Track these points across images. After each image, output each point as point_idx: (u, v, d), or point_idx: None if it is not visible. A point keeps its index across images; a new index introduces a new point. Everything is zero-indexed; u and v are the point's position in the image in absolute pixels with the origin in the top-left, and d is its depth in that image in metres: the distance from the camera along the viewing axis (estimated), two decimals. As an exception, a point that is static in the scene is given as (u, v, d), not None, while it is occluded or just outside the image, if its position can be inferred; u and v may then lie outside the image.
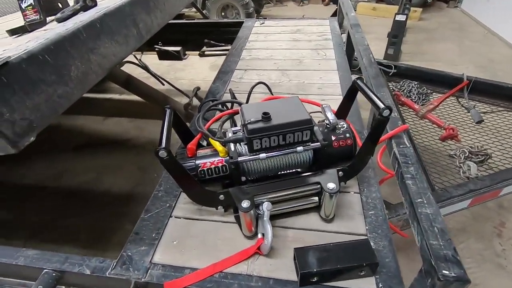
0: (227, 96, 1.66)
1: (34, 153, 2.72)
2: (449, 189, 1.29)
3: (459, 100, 2.14)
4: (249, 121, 0.86)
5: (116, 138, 2.86)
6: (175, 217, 1.04)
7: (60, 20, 1.04)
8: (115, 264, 0.90)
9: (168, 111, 0.93)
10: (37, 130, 0.70)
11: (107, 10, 0.96)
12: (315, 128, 0.99)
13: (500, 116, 1.93)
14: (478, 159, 1.56)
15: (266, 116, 0.86)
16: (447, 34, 4.90)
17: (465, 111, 2.00)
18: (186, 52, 3.14)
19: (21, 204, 2.20)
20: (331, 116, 0.98)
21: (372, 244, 0.90)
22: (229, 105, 1.46)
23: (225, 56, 2.34)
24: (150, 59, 3.08)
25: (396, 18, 3.66)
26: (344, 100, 1.11)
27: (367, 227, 0.95)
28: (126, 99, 3.41)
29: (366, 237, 0.91)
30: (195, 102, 2.47)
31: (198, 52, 3.03)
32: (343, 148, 1.00)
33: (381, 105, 0.87)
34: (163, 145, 0.80)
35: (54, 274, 0.90)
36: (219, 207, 0.98)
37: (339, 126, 1.01)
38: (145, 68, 2.59)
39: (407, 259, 1.66)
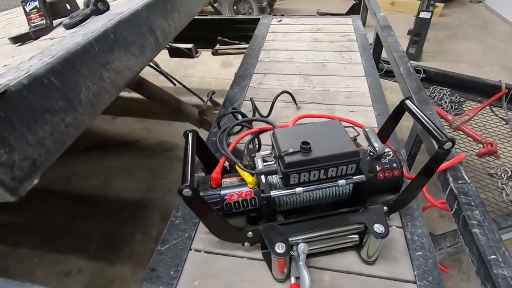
0: (246, 105, 1.53)
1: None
2: (497, 220, 1.16)
3: (494, 110, 1.97)
4: (285, 152, 0.74)
5: (125, 139, 2.76)
6: (195, 250, 0.93)
7: (68, 27, 0.92)
8: (129, 308, 0.79)
9: (190, 135, 0.81)
10: (41, 170, 0.58)
11: (122, 17, 0.83)
12: (358, 156, 0.86)
13: (542, 130, 1.76)
14: (523, 181, 1.42)
15: (306, 147, 0.74)
16: (470, 32, 4.64)
17: (503, 123, 1.84)
18: (198, 49, 3.01)
19: (29, 208, 2.13)
20: (377, 144, 0.85)
21: (423, 295, 0.78)
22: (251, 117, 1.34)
23: (239, 55, 2.21)
24: (160, 54, 2.94)
25: (421, 15, 3.44)
26: (388, 121, 0.97)
27: (415, 273, 0.83)
28: (134, 97, 3.29)
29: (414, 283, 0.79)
30: (209, 103, 2.34)
31: (211, 50, 2.89)
32: (388, 180, 0.87)
33: (442, 137, 0.73)
34: (188, 182, 0.68)
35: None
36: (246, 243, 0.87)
37: (385, 154, 0.88)
38: (156, 67, 2.47)
39: None
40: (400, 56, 1.43)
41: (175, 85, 2.50)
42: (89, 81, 0.70)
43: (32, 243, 1.97)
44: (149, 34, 0.95)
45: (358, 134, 1.24)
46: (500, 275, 0.61)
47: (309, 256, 0.87)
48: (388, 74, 2.29)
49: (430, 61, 3.79)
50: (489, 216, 0.72)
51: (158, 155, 2.51)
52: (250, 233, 0.83)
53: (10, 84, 0.52)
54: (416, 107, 0.86)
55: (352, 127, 1.27)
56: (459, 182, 0.81)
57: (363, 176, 0.81)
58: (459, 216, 0.75)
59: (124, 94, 3.48)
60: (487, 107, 1.97)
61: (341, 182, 0.79)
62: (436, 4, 5.22)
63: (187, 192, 0.67)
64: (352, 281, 0.83)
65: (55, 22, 1.07)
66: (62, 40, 0.72)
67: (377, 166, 0.86)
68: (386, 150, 0.89)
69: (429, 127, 0.78)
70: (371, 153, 0.87)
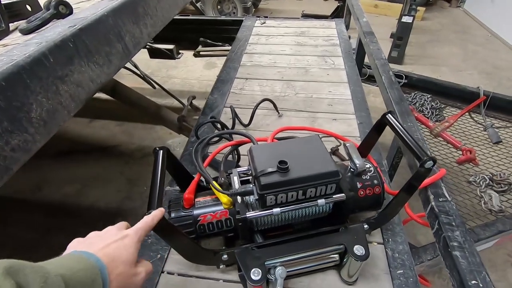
0: (226, 112, 1.48)
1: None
2: (476, 230, 1.17)
3: (473, 116, 2.01)
4: (261, 173, 0.69)
5: (103, 144, 2.64)
6: (168, 272, 0.87)
7: (24, 32, 0.84)
8: None
9: (160, 153, 0.75)
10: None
11: (84, 23, 0.76)
12: (338, 172, 0.83)
13: (518, 136, 1.81)
14: (501, 189, 1.44)
15: (283, 167, 0.69)
16: (450, 36, 4.76)
17: (481, 129, 1.87)
18: (180, 50, 2.92)
19: (4, 218, 1.98)
20: (358, 161, 0.82)
21: (403, 316, 0.76)
22: (230, 125, 1.29)
23: (222, 57, 2.14)
24: (140, 54, 2.84)
25: (403, 19, 3.49)
26: (369, 134, 0.95)
27: (395, 292, 0.81)
28: (113, 100, 3.17)
29: (399, 311, 0.76)
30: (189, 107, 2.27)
31: (193, 51, 2.81)
32: (369, 197, 0.84)
33: (424, 155, 0.71)
34: (154, 207, 0.62)
35: None
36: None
37: (366, 170, 0.85)
38: (135, 68, 2.37)
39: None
40: (383, 64, 1.41)
41: (154, 88, 2.41)
42: (42, 96, 0.63)
43: (3, 257, 1.84)
44: (117, 41, 0.88)
45: (340, 145, 1.22)
46: (481, 302, 0.59)
47: (287, 277, 0.83)
48: (371, 79, 2.29)
49: (412, 64, 3.85)
50: (470, 238, 0.70)
51: (138, 161, 2.41)
52: (225, 256, 0.78)
53: None
54: (397, 121, 0.83)
55: (336, 139, 1.25)
56: (440, 200, 0.79)
57: (343, 194, 0.78)
58: (440, 237, 0.73)
59: (103, 96, 3.34)
60: (467, 114, 2.00)
61: (321, 201, 0.75)
62: (418, 8, 5.33)
63: (153, 219, 0.61)
64: (332, 303, 0.80)
65: (14, 25, 0.98)
66: (12, 50, 0.64)
67: (357, 183, 0.83)
68: (367, 166, 0.87)
69: (411, 144, 0.76)
70: (351, 170, 0.84)
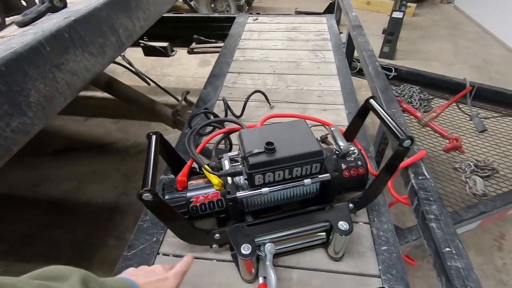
0: (219, 105, 1.52)
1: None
2: (460, 212, 1.22)
3: (460, 106, 2.07)
4: (250, 153, 0.74)
5: (99, 141, 2.66)
6: (163, 254, 0.91)
7: (20, 24, 0.87)
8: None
9: (153, 137, 0.78)
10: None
11: (78, 15, 0.80)
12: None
13: (503, 125, 1.87)
14: (485, 174, 1.50)
15: (270, 148, 0.74)
16: (441, 32, 4.84)
17: (468, 118, 1.92)
18: (174, 48, 2.95)
19: (2, 214, 2.01)
20: (342, 143, 0.86)
21: (386, 287, 0.81)
22: (223, 117, 1.33)
23: (217, 54, 2.18)
24: (135, 53, 2.88)
25: (393, 15, 3.55)
26: (354, 120, 0.99)
27: (380, 267, 0.85)
28: (109, 97, 3.18)
29: (381, 283, 0.81)
30: (184, 103, 2.30)
31: (187, 48, 2.84)
32: (354, 178, 0.89)
33: (402, 135, 0.76)
34: (148, 186, 0.66)
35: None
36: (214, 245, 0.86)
37: (350, 152, 0.90)
38: (130, 66, 2.40)
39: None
40: (370, 56, 1.46)
41: (149, 84, 2.44)
42: (40, 83, 0.66)
43: (2, 251, 1.87)
44: (111, 33, 0.92)
45: (329, 133, 1.27)
46: (453, 267, 0.64)
47: (278, 255, 0.88)
48: (361, 73, 2.34)
49: (404, 59, 3.92)
50: (446, 210, 0.75)
51: (134, 158, 2.44)
52: (217, 235, 0.82)
53: None
54: (380, 106, 0.88)
55: (323, 126, 1.29)
56: (419, 178, 0.84)
57: (328, 175, 0.82)
58: (419, 211, 0.78)
59: (98, 94, 3.36)
60: (454, 104, 2.06)
61: (307, 181, 0.80)
62: (409, 4, 5.40)
63: (147, 196, 0.65)
64: (320, 278, 0.84)
65: (10, 19, 1.01)
66: (10, 40, 0.68)
67: (342, 164, 0.88)
68: (352, 149, 0.91)
69: (390, 125, 0.80)
70: (336, 152, 0.89)
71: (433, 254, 0.70)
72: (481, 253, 1.78)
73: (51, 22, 0.75)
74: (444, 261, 0.65)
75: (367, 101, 0.91)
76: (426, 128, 1.87)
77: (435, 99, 2.08)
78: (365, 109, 0.94)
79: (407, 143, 0.75)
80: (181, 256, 0.90)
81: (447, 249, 0.67)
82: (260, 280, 0.80)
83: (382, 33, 4.33)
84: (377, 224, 0.96)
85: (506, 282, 1.64)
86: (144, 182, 0.67)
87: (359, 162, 0.89)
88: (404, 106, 1.97)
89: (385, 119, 0.82)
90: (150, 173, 0.69)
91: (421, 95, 2.03)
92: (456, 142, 1.69)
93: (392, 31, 3.68)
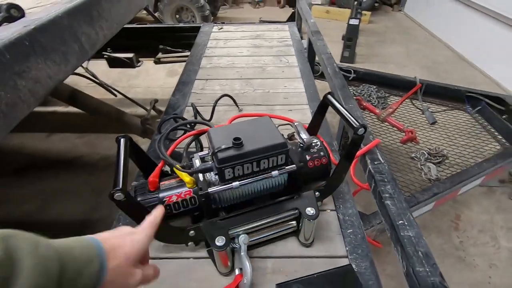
0: (189, 110, 1.54)
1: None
2: (416, 195, 1.34)
3: (413, 102, 2.26)
4: (218, 149, 0.78)
5: (64, 157, 2.54)
6: (139, 257, 0.91)
7: (-25, 35, 0.85)
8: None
9: (122, 141, 0.80)
10: None
11: (38, 23, 0.80)
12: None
13: (450, 116, 2.07)
14: (437, 160, 1.65)
15: (237, 142, 0.78)
16: (395, 37, 5.25)
17: (420, 113, 2.11)
18: (140, 59, 2.92)
19: None
20: (304, 136, 0.93)
21: (354, 266, 0.87)
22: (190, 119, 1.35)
23: (183, 63, 2.21)
24: (99, 66, 2.81)
25: (350, 22, 3.81)
26: (315, 115, 1.07)
27: (347, 248, 0.92)
28: (73, 112, 3.05)
29: (348, 262, 0.87)
30: (153, 113, 2.29)
31: (153, 59, 2.84)
32: (318, 168, 0.95)
33: (356, 124, 0.84)
34: (120, 185, 0.67)
35: None
36: (189, 243, 0.88)
37: (313, 144, 0.97)
38: (94, 78, 2.34)
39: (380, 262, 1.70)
40: (328, 58, 1.57)
41: (115, 95, 2.39)
42: (0, 90, 0.66)
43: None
44: (73, 41, 0.92)
45: (287, 123, 1.34)
46: (406, 236, 0.72)
47: (252, 247, 0.91)
48: (324, 76, 2.48)
49: (363, 62, 4.19)
50: (399, 189, 0.84)
51: (103, 171, 2.36)
52: (192, 232, 0.84)
53: None
54: (336, 100, 0.96)
55: (290, 124, 1.37)
56: (375, 163, 0.92)
57: (294, 166, 0.88)
58: (376, 192, 0.86)
59: (60, 108, 3.22)
60: (408, 100, 2.25)
61: (274, 173, 0.85)
62: (365, 12, 5.80)
63: (119, 196, 0.67)
64: (293, 265, 0.89)
65: (-38, 31, 0.97)
66: (-34, 48, 0.67)
67: (306, 156, 0.94)
68: (314, 141, 0.98)
69: (346, 116, 0.88)
70: (301, 145, 0.95)
71: (389, 228, 0.77)
72: (441, 234, 1.94)
73: (10, 31, 0.75)
74: (398, 232, 0.73)
75: (325, 97, 0.99)
76: (385, 123, 2.03)
77: (391, 96, 2.26)
78: (324, 105, 1.02)
79: (361, 131, 0.83)
80: (157, 258, 0.91)
81: (400, 221, 0.75)
82: (237, 271, 0.83)
83: (342, 39, 4.60)
84: (343, 210, 1.03)
85: (464, 258, 1.81)
86: (116, 182, 0.68)
87: (322, 153, 0.96)
88: (364, 104, 2.12)
89: (341, 111, 0.90)
90: (121, 174, 0.70)
91: (378, 93, 2.20)
92: (411, 134, 1.85)
93: (350, 37, 3.93)
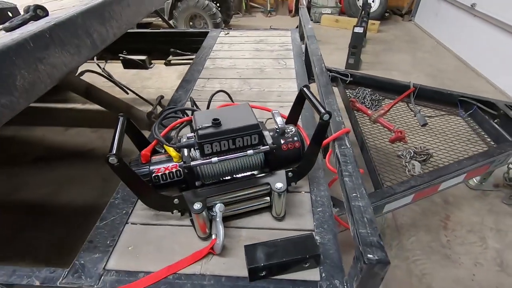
0: (188, 105, 1.69)
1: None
2: (394, 187, 1.42)
3: (409, 106, 2.34)
4: (200, 127, 0.91)
5: (79, 149, 2.76)
6: (132, 223, 1.05)
7: (8, 29, 1.03)
8: (66, 273, 0.89)
9: (121, 119, 0.95)
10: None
11: (58, 20, 0.97)
12: (265, 132, 1.06)
13: (442, 120, 2.14)
14: (422, 158, 1.72)
15: (216, 122, 0.92)
16: (402, 45, 5.31)
17: (413, 115, 2.19)
18: (152, 61, 3.14)
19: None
20: (280, 121, 1.05)
21: (318, 238, 0.98)
22: (189, 113, 1.50)
23: (191, 65, 2.38)
24: (115, 67, 3.04)
25: (355, 30, 3.93)
26: (294, 106, 1.19)
27: (314, 223, 1.03)
28: (88, 109, 3.31)
29: (312, 232, 0.98)
30: (160, 110, 2.47)
31: (164, 61, 3.04)
32: (291, 151, 1.07)
33: (322, 110, 0.95)
34: (114, 151, 0.82)
35: (0, 288, 0.88)
36: (174, 211, 1.01)
37: (288, 130, 1.09)
38: (109, 77, 2.56)
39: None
40: (318, 59, 1.69)
41: (127, 93, 2.60)
42: (25, 71, 0.83)
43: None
44: (86, 37, 1.09)
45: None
46: (356, 205, 0.83)
47: (230, 218, 1.03)
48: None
49: (368, 69, 4.27)
50: (358, 170, 0.94)
51: (113, 163, 2.54)
52: (176, 199, 0.97)
53: (-50, 67, 0.64)
54: (310, 92, 1.08)
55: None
56: (342, 147, 1.03)
57: (268, 146, 1.00)
58: (339, 171, 0.97)
59: (77, 106, 3.48)
60: (403, 103, 2.33)
61: (250, 152, 0.98)
62: (373, 21, 5.90)
63: (113, 160, 0.81)
64: (265, 235, 1.00)
65: (-3, 28, 1.17)
66: (1, 38, 0.85)
67: (281, 140, 1.07)
68: (290, 128, 1.10)
69: (316, 104, 1.00)
70: (276, 130, 1.08)
71: (345, 200, 0.88)
72: (429, 233, 1.99)
73: (35, 26, 0.93)
74: (351, 202, 0.83)
75: (301, 89, 1.11)
76: (377, 124, 2.11)
77: (386, 100, 2.34)
78: (301, 96, 1.14)
79: (326, 116, 0.95)
80: (148, 224, 1.05)
81: (354, 194, 0.85)
82: (213, 236, 0.95)
83: (348, 47, 4.71)
84: (316, 192, 1.14)
85: (450, 256, 1.84)
86: (111, 147, 0.83)
87: (295, 138, 1.08)
88: (357, 105, 2.22)
89: (312, 100, 1.03)
90: (116, 142, 0.85)
91: (372, 96, 2.29)
92: (400, 134, 1.93)
93: (355, 45, 4.04)
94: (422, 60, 4.69)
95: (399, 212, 2.07)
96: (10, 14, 1.21)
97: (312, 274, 0.88)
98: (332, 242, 0.96)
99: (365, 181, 0.93)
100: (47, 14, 1.10)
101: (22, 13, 1.13)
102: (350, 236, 0.78)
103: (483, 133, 2.00)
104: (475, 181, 2.34)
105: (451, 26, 5.12)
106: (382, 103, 2.30)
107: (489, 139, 1.93)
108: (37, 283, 0.87)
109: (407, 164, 1.70)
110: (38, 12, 1.07)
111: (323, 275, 0.87)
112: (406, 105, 2.34)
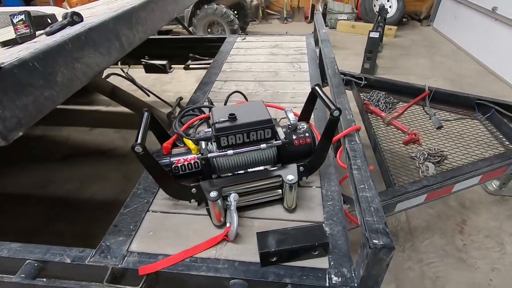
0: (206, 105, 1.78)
1: (17, 163, 2.75)
2: (405, 185, 1.43)
3: (424, 108, 2.33)
4: (217, 121, 0.98)
5: (102, 148, 2.93)
6: (152, 211, 1.13)
7: (48, 34, 1.15)
8: (94, 253, 0.98)
9: (145, 114, 1.04)
10: (24, 127, 0.79)
11: (92, 25, 1.08)
12: (278, 129, 1.12)
13: (458, 123, 2.12)
14: (436, 160, 1.72)
15: (232, 117, 0.99)
16: (420, 50, 5.24)
17: (428, 118, 2.18)
18: (172, 66, 3.29)
19: (7, 211, 2.23)
20: (292, 118, 1.11)
21: (327, 229, 1.01)
22: (207, 111, 1.58)
23: (208, 69, 2.48)
24: (138, 72, 3.20)
25: (370, 35, 3.94)
26: (305, 104, 1.24)
27: (324, 216, 1.07)
28: (112, 111, 3.49)
29: (322, 223, 1.02)
30: (178, 111, 2.59)
31: (183, 65, 3.18)
32: (303, 146, 1.12)
33: (332, 107, 1.00)
34: (139, 141, 0.90)
35: (36, 265, 0.97)
36: (192, 200, 1.08)
37: (300, 127, 1.14)
38: (131, 80, 2.71)
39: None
40: (331, 61, 1.74)
41: (149, 95, 2.74)
42: (64, 68, 0.93)
43: (10, 241, 2.05)
44: (115, 40, 1.20)
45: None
46: (364, 196, 0.86)
47: (243, 208, 1.09)
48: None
49: (384, 74, 4.25)
50: (367, 163, 0.98)
51: (133, 161, 2.65)
52: (193, 189, 1.04)
53: (5, 63, 0.75)
54: (321, 90, 1.13)
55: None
56: (352, 143, 1.08)
57: (280, 141, 1.06)
58: (349, 165, 1.01)
59: (102, 108, 3.67)
60: (419, 106, 2.33)
61: (263, 145, 1.04)
62: (390, 27, 5.87)
63: (138, 148, 0.89)
64: (276, 225, 1.05)
65: (38, 33, 1.30)
66: (44, 41, 0.96)
67: (293, 135, 1.12)
68: (302, 124, 1.16)
69: (326, 101, 1.05)
70: (289, 126, 1.13)
71: (354, 192, 0.92)
72: (444, 236, 1.96)
73: (72, 29, 1.04)
74: (358, 193, 0.87)
75: (313, 88, 1.17)
76: (390, 126, 2.12)
77: (400, 103, 2.34)
78: (312, 94, 1.20)
79: (336, 112, 1.00)
80: (167, 212, 1.12)
81: (361, 185, 0.89)
82: (227, 224, 1.01)
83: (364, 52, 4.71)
84: (327, 187, 1.19)
85: (465, 260, 1.81)
86: (137, 138, 0.91)
87: (307, 134, 1.13)
88: (371, 108, 2.24)
89: (323, 97, 1.08)
90: (141, 133, 0.93)
91: (387, 99, 2.30)
92: (414, 136, 1.93)
93: (371, 49, 4.05)
94: (440, 65, 4.62)
95: (413, 215, 2.05)
96: (49, 21, 1.35)
97: (321, 262, 0.91)
98: (341, 234, 1.00)
99: (377, 181, 0.96)
100: (82, 20, 1.21)
101: (60, 19, 1.26)
102: (360, 235, 0.80)
103: (501, 136, 1.96)
104: (494, 186, 2.28)
105: (471, 30, 5.02)
106: (396, 106, 2.30)
107: (507, 142, 1.89)
108: (68, 260, 0.96)
109: (420, 165, 1.70)
110: (75, 18, 1.19)
111: (332, 263, 0.91)
112: (421, 108, 2.33)
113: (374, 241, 0.73)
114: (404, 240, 1.92)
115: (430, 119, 2.14)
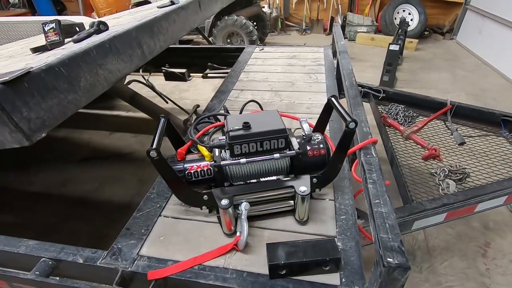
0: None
1: (40, 163, 2.87)
2: (424, 203, 1.37)
3: (445, 123, 2.25)
4: (231, 129, 0.99)
5: (120, 152, 3.01)
6: (164, 216, 1.14)
7: (76, 41, 1.21)
8: (105, 254, 0.99)
9: (162, 119, 1.06)
10: (48, 128, 0.83)
11: (116, 33, 1.13)
12: (293, 139, 1.11)
13: (482, 139, 2.03)
14: (457, 177, 1.64)
15: (246, 125, 0.99)
16: (441, 64, 5.11)
17: (450, 133, 2.10)
18: (191, 74, 3.37)
19: (27, 209, 2.33)
20: (307, 129, 1.10)
21: (340, 244, 0.98)
22: (222, 119, 1.60)
23: (226, 78, 2.53)
24: (157, 80, 3.30)
25: (390, 48, 3.89)
26: (321, 115, 1.23)
27: (337, 230, 1.04)
28: (131, 116, 3.61)
29: (334, 238, 0.99)
30: (194, 116, 2.63)
31: (202, 74, 3.25)
32: (317, 158, 1.10)
33: (348, 119, 0.99)
34: (154, 146, 0.92)
35: (50, 263, 0.99)
36: (203, 207, 1.08)
37: (314, 138, 1.13)
38: (151, 87, 2.79)
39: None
40: (348, 73, 1.72)
41: (167, 102, 2.81)
42: (88, 74, 0.97)
43: (29, 238, 2.14)
44: (137, 48, 1.25)
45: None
46: (378, 211, 0.84)
47: (254, 218, 1.08)
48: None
49: (403, 87, 4.17)
50: (382, 178, 0.95)
51: (148, 165, 2.72)
52: (205, 196, 1.04)
53: (33, 68, 0.79)
54: (337, 102, 1.12)
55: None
56: (367, 156, 1.05)
57: (294, 151, 1.05)
58: (364, 179, 0.98)
59: (122, 113, 3.80)
60: (440, 121, 2.25)
61: (276, 155, 1.03)
62: (411, 40, 5.78)
63: (153, 153, 0.91)
64: (286, 236, 1.03)
65: (66, 40, 1.37)
66: (70, 48, 1.01)
67: (307, 146, 1.11)
68: (316, 135, 1.14)
69: (342, 113, 1.04)
70: (303, 137, 1.12)
71: (368, 206, 0.89)
72: (465, 258, 1.85)
73: (98, 37, 1.09)
74: (373, 208, 0.85)
75: (329, 99, 1.16)
76: (409, 141, 2.06)
77: (420, 117, 2.28)
78: (328, 105, 1.18)
79: (351, 124, 0.98)
80: (178, 218, 1.13)
81: (376, 200, 0.87)
82: (238, 233, 1.00)
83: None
84: (340, 200, 1.16)
85: (489, 285, 1.69)
86: (152, 143, 0.93)
87: (321, 145, 1.11)
88: (389, 121, 2.19)
89: (338, 109, 1.06)
90: (157, 138, 0.95)
91: (406, 112, 2.24)
92: (434, 151, 1.86)
93: (390, 62, 3.99)
94: (463, 79, 4.48)
95: (432, 234, 1.96)
96: (77, 29, 1.42)
97: (332, 278, 0.89)
98: (354, 250, 0.97)
99: (394, 197, 0.93)
100: (107, 29, 1.27)
101: (87, 28, 1.33)
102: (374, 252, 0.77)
103: (529, 155, 1.86)
104: (522, 207, 2.15)
105: (496, 44, 4.85)
106: (416, 120, 2.24)
107: (536, 162, 1.79)
108: (81, 260, 0.98)
109: (440, 182, 1.63)
110: (101, 26, 1.25)
111: (343, 280, 0.88)
112: (442, 123, 2.25)
113: (388, 259, 0.70)
114: (422, 260, 1.83)
115: (452, 135, 2.06)
